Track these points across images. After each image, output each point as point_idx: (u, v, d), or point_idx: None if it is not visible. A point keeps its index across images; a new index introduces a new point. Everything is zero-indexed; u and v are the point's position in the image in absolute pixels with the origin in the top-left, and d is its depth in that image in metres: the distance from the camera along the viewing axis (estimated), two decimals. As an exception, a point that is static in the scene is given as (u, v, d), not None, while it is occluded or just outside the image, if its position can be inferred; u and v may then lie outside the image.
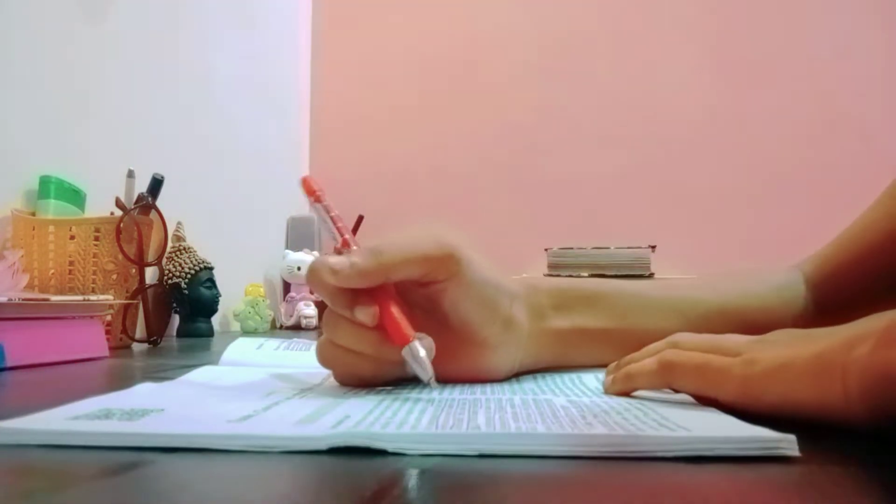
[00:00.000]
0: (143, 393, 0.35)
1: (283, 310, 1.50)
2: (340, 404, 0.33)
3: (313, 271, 0.36)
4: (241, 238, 1.44)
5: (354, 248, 0.40)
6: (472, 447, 0.24)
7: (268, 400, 0.34)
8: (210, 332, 1.12)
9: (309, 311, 1.45)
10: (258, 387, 0.39)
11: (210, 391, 0.37)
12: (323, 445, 0.24)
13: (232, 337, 0.93)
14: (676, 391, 0.34)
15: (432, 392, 0.37)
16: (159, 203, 0.94)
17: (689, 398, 0.33)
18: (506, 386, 0.40)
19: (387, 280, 0.37)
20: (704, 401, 0.31)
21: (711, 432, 0.25)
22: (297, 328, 1.43)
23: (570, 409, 0.31)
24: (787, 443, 0.23)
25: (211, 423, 0.28)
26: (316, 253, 1.52)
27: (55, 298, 0.63)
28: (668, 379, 0.33)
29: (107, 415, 0.29)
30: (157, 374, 0.53)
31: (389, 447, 0.24)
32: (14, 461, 0.24)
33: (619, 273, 1.33)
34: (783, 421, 0.28)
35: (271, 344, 0.57)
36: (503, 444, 0.25)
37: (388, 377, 0.38)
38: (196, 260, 1.11)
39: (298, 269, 1.48)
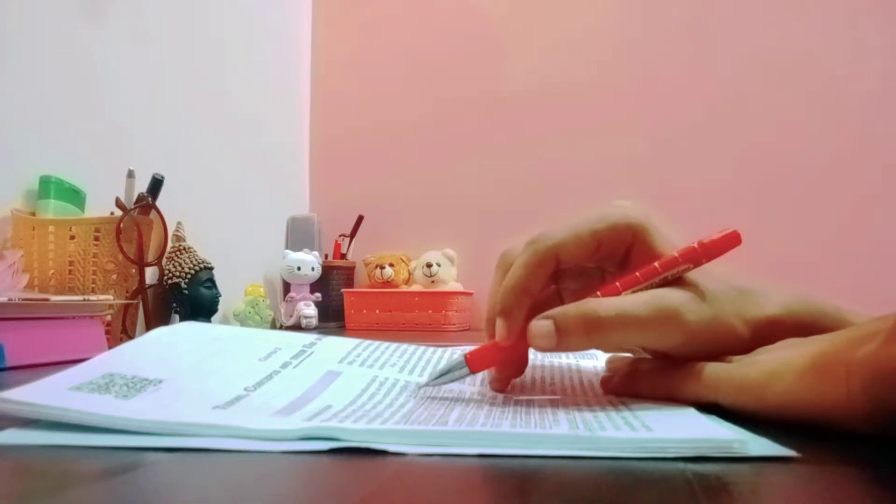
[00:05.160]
0: (149, 354, 0.36)
1: (283, 310, 1.50)
2: (330, 385, 0.35)
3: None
4: (241, 238, 1.44)
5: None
6: (431, 443, 0.25)
7: (264, 368, 0.36)
8: (210, 332, 1.12)
9: (309, 311, 1.45)
10: (258, 348, 0.39)
11: (212, 356, 0.38)
12: (293, 437, 0.25)
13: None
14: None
15: (423, 375, 0.39)
16: (159, 203, 0.94)
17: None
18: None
19: None
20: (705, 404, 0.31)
21: (670, 433, 0.25)
22: (297, 328, 1.43)
23: (544, 404, 0.32)
24: (740, 444, 0.24)
25: (198, 406, 0.30)
26: (316, 253, 1.52)
27: (55, 298, 0.63)
28: (669, 385, 0.33)
29: (108, 385, 0.31)
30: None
31: (356, 442, 0.25)
32: (14, 461, 0.24)
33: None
34: (784, 422, 0.28)
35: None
36: (464, 441, 0.25)
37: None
38: (196, 260, 1.11)
39: (298, 269, 1.48)
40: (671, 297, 0.32)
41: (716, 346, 0.32)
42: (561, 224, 0.34)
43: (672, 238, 0.35)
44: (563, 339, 0.31)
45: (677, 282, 0.33)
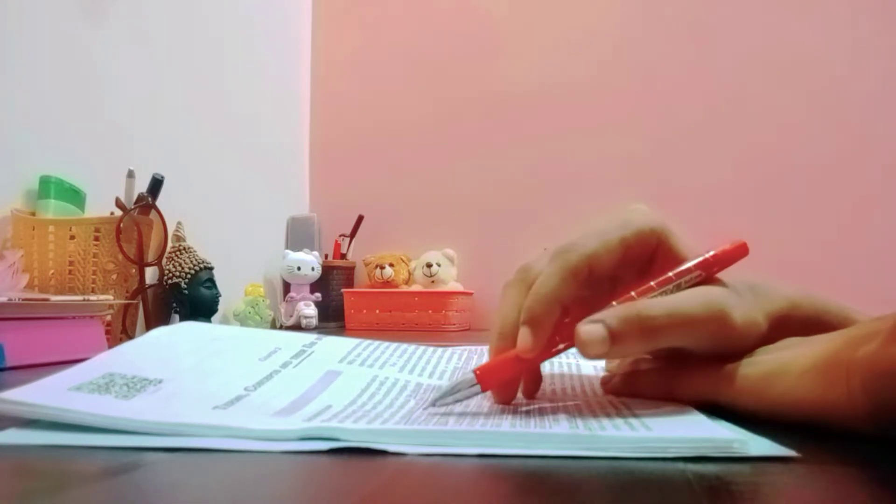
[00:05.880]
0: (149, 354, 0.36)
1: (283, 310, 1.50)
2: (330, 385, 0.35)
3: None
4: (241, 238, 1.44)
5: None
6: (431, 443, 0.25)
7: (264, 368, 0.36)
8: (210, 332, 1.12)
9: (309, 311, 1.45)
10: (258, 348, 0.39)
11: (211, 356, 0.38)
12: (293, 437, 0.25)
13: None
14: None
15: (423, 374, 0.39)
16: (159, 203, 0.94)
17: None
18: None
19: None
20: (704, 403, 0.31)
21: (670, 432, 0.25)
22: (297, 328, 1.43)
23: (544, 404, 0.32)
24: (740, 444, 0.24)
25: (198, 407, 0.30)
26: (316, 253, 1.52)
27: (55, 298, 0.63)
28: (669, 384, 0.33)
29: (108, 385, 0.31)
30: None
31: (356, 442, 0.25)
32: (14, 461, 0.24)
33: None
34: (784, 422, 0.28)
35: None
36: (464, 441, 0.25)
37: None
38: (196, 260, 1.11)
39: (298, 269, 1.48)
40: (717, 293, 0.32)
41: (746, 343, 0.32)
42: (586, 233, 0.33)
43: (687, 240, 0.34)
44: (618, 345, 0.29)
45: (707, 281, 0.33)
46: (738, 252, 0.34)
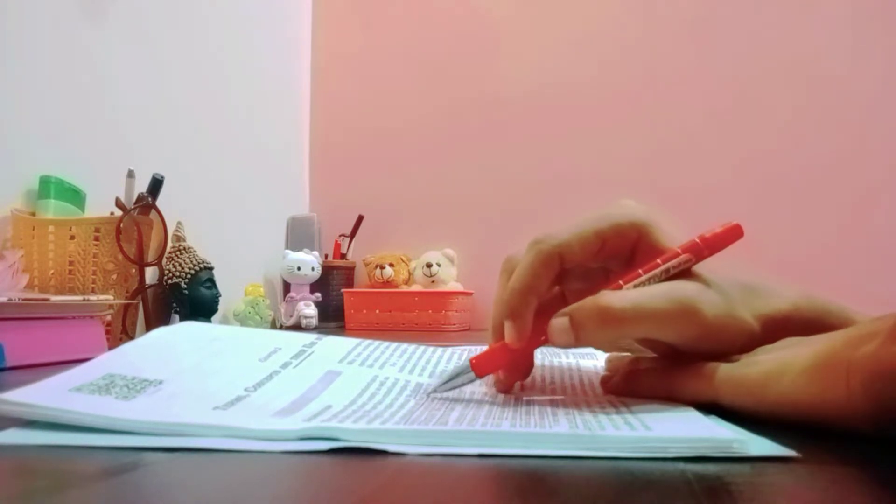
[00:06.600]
0: (149, 355, 0.36)
1: (283, 310, 1.50)
2: (330, 385, 0.35)
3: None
4: (241, 238, 1.44)
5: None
6: (431, 443, 0.25)
7: (264, 369, 0.36)
8: (210, 332, 1.12)
9: (309, 311, 1.45)
10: (258, 348, 0.39)
11: (212, 356, 0.38)
12: (293, 437, 0.25)
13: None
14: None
15: (423, 374, 0.39)
16: (159, 203, 0.94)
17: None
18: None
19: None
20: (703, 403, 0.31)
21: (670, 432, 0.25)
22: (297, 328, 1.43)
23: (545, 403, 0.32)
24: (740, 444, 0.24)
25: (199, 407, 0.30)
26: (316, 253, 1.52)
27: (55, 298, 0.63)
28: (669, 384, 0.33)
29: (108, 385, 0.31)
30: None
31: (356, 442, 0.25)
32: (14, 461, 0.24)
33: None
34: (784, 422, 0.28)
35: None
36: (464, 441, 0.25)
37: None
38: (196, 260, 1.11)
39: (298, 268, 1.48)
40: (687, 288, 0.32)
41: (729, 341, 0.32)
42: (565, 225, 0.34)
43: (676, 235, 0.34)
44: (580, 334, 0.31)
45: (686, 276, 0.33)
46: (731, 234, 0.33)
